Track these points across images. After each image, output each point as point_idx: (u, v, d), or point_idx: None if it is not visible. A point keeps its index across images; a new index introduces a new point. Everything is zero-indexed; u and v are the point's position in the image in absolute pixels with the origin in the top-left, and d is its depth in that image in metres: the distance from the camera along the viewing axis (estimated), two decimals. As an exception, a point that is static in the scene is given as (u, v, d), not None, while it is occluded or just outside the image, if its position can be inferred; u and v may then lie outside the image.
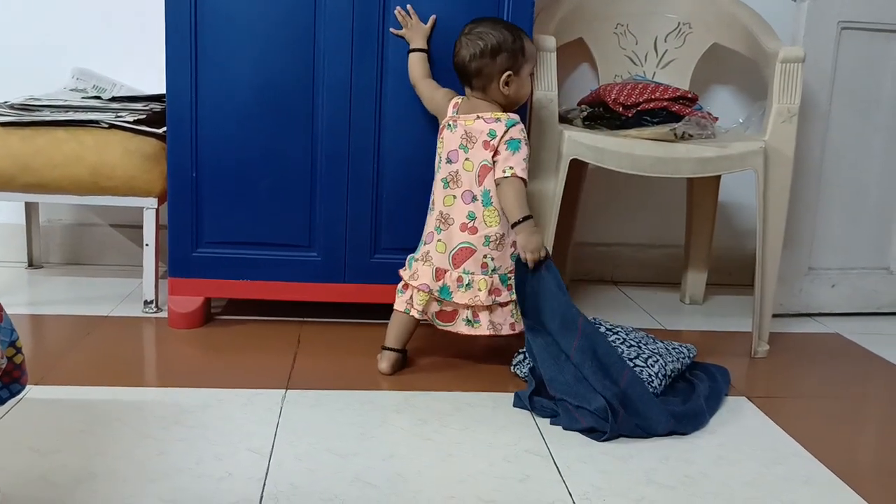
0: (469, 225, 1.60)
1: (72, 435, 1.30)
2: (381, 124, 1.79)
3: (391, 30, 1.75)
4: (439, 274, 1.61)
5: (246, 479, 1.19)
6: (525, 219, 1.54)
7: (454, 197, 1.61)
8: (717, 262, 2.37)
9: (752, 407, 1.59)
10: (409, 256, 1.68)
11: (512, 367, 1.67)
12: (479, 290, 1.60)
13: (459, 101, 1.65)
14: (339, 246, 1.83)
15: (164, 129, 1.82)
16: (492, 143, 1.58)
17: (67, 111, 1.92)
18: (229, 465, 1.23)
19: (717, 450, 1.40)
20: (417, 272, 1.62)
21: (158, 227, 1.92)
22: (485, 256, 1.60)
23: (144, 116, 1.93)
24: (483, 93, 1.61)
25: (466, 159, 1.60)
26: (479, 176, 1.59)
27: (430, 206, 1.66)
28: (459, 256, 1.60)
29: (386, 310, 1.69)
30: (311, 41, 1.74)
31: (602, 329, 1.62)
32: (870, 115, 2.17)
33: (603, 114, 1.88)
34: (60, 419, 1.36)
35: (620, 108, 1.84)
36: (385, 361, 1.63)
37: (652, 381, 1.50)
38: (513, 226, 1.56)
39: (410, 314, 1.63)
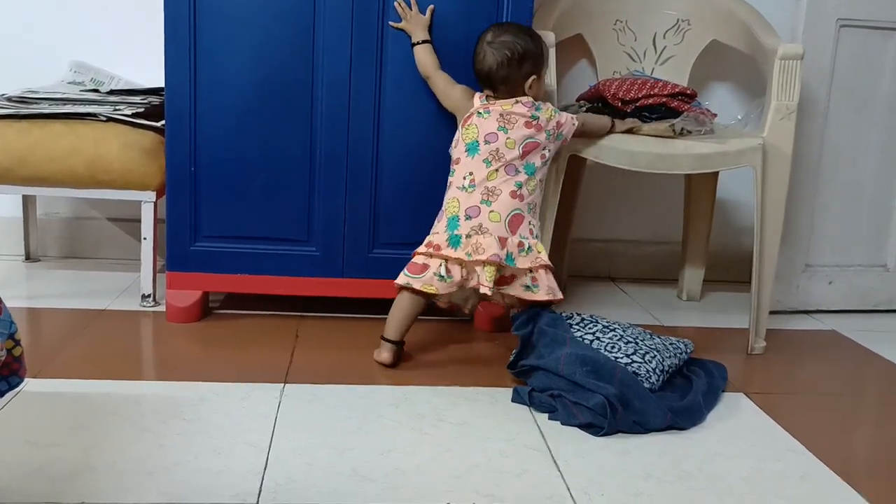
0: (518, 192, 1.64)
1: (69, 428, 1.30)
2: (380, 119, 1.79)
3: (390, 23, 1.74)
4: (502, 242, 1.61)
5: (244, 473, 1.19)
6: (613, 122, 1.80)
7: (496, 171, 1.64)
8: (714, 258, 2.37)
9: (750, 403, 1.59)
10: (445, 238, 1.62)
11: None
12: (539, 251, 1.65)
13: (482, 94, 1.69)
14: (338, 240, 1.83)
15: (163, 122, 1.81)
16: (535, 123, 1.65)
17: (65, 104, 1.91)
18: (228, 459, 1.23)
19: (715, 445, 1.40)
20: (480, 245, 1.60)
21: (156, 220, 1.91)
22: (530, 223, 1.66)
23: (143, 110, 1.92)
24: (509, 95, 1.68)
25: (508, 138, 1.64)
26: (523, 151, 1.64)
27: (466, 185, 1.64)
28: (514, 223, 1.63)
29: (385, 304, 1.69)
30: (311, 35, 1.74)
31: (599, 325, 1.62)
32: (867, 113, 2.17)
33: (602, 109, 1.88)
34: (58, 412, 1.36)
35: (619, 104, 1.84)
36: (386, 352, 1.64)
37: (650, 377, 1.51)
38: (609, 132, 1.80)
39: (464, 289, 1.63)
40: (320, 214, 1.82)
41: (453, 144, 1.71)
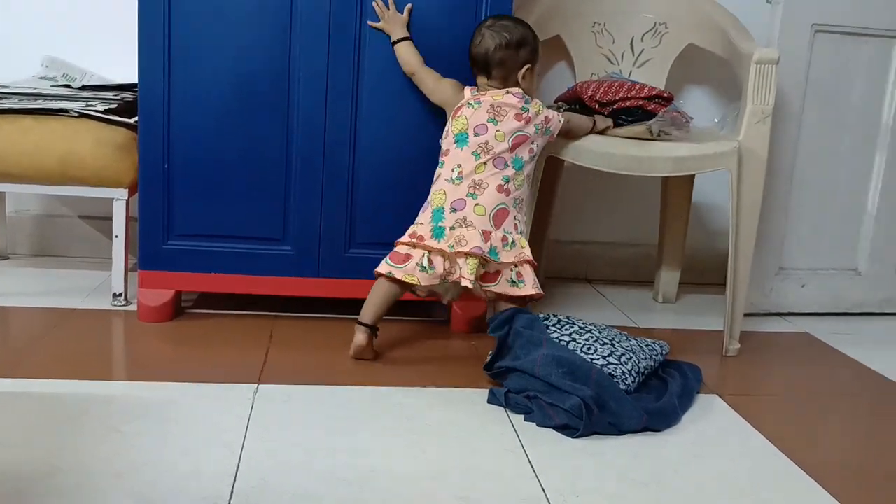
0: (505, 187, 1.64)
1: (38, 429, 1.27)
2: (358, 118, 1.77)
3: (369, 23, 1.73)
4: (486, 235, 1.62)
5: (215, 475, 1.17)
6: (594, 121, 1.82)
7: (485, 164, 1.64)
8: (689, 261, 2.38)
9: (724, 405, 1.60)
10: (429, 229, 1.62)
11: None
12: (522, 246, 1.66)
13: (473, 87, 1.70)
14: (314, 240, 1.82)
15: (136, 119, 1.79)
16: (525, 115, 1.66)
17: (36, 99, 1.88)
18: (198, 460, 1.21)
19: (689, 447, 1.40)
20: (464, 237, 1.60)
21: (128, 218, 1.89)
22: (514, 217, 1.66)
23: (115, 106, 1.90)
24: (502, 83, 1.68)
25: (497, 130, 1.65)
26: (512, 144, 1.65)
27: (454, 177, 1.64)
28: (499, 217, 1.64)
29: (361, 304, 1.68)
30: (288, 32, 1.72)
31: (575, 326, 1.62)
32: (840, 117, 2.19)
33: (580, 111, 1.88)
34: (26, 413, 1.33)
35: (597, 106, 1.84)
36: (361, 334, 1.63)
37: (626, 379, 1.51)
38: (592, 130, 1.82)
39: (448, 282, 1.62)
40: (296, 213, 1.80)
41: (443, 136, 1.71)
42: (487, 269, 1.64)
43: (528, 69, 1.69)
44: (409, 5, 1.73)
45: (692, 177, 2.20)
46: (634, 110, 1.85)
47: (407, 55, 1.73)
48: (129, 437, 1.26)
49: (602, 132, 1.83)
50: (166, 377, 1.51)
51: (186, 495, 1.11)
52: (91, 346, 1.66)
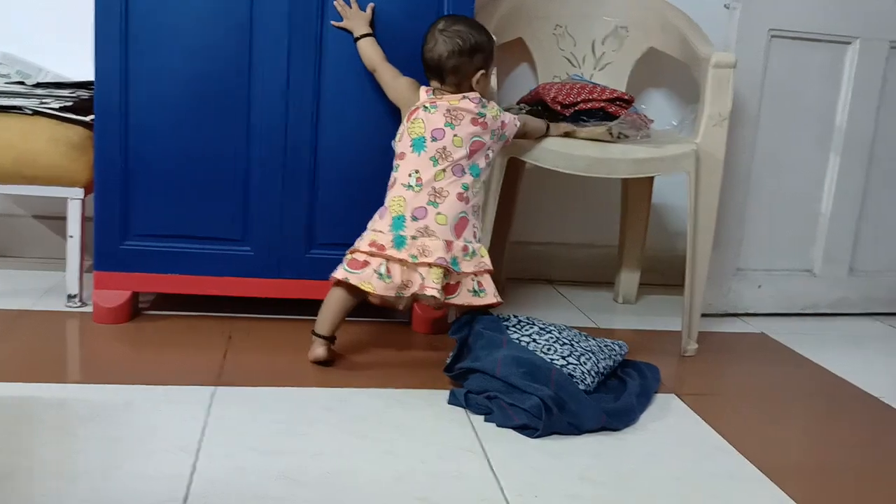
0: (464, 195, 1.63)
1: (-14, 433, 1.25)
2: (319, 117, 1.76)
3: (332, 23, 1.73)
4: (448, 245, 1.60)
5: (170, 478, 1.15)
6: (548, 126, 1.81)
7: (444, 171, 1.62)
8: (649, 262, 2.41)
9: (681, 404, 1.62)
10: (390, 238, 1.59)
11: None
12: (482, 256, 1.65)
13: (429, 88, 1.68)
14: (274, 240, 1.80)
15: (92, 117, 1.75)
16: (481, 120, 1.64)
17: (-12, 96, 1.84)
18: (153, 463, 1.19)
19: (647, 446, 1.42)
20: (427, 248, 1.59)
21: (84, 218, 1.85)
22: (473, 226, 1.66)
23: (71, 104, 1.86)
24: (456, 88, 1.66)
25: (455, 135, 1.63)
26: (470, 150, 1.63)
27: (413, 183, 1.62)
28: (460, 226, 1.63)
29: (321, 306, 1.66)
30: (248, 30, 1.71)
31: (536, 327, 1.63)
32: (796, 121, 2.23)
33: (542, 112, 1.89)
34: (-26, 417, 1.30)
35: (559, 107, 1.85)
36: (320, 347, 1.61)
37: (585, 379, 1.52)
38: (546, 134, 1.81)
39: (403, 296, 1.59)
40: (256, 214, 1.78)
41: (397, 138, 1.69)
42: (448, 280, 1.62)
43: (482, 74, 1.67)
44: (371, 4, 1.72)
45: (651, 179, 2.22)
46: (596, 112, 1.87)
47: (368, 51, 1.71)
48: (82, 441, 1.24)
49: (564, 135, 1.83)
50: (122, 379, 1.48)
51: (140, 499, 1.09)
52: (44, 348, 1.63)
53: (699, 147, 1.86)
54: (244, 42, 1.71)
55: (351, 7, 1.72)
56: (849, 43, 2.21)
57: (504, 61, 1.86)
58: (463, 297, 1.63)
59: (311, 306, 1.79)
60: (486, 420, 1.45)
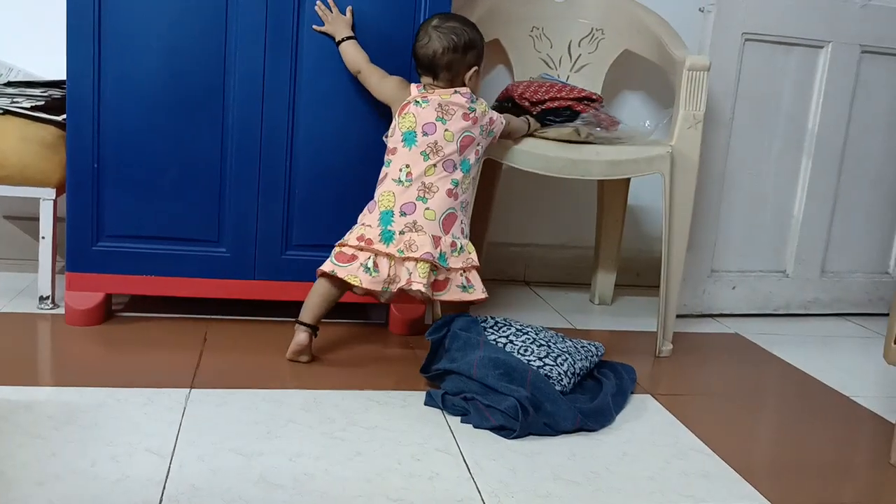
0: (454, 191, 1.64)
1: (-45, 437, 1.23)
2: (295, 117, 1.76)
3: (314, 27, 1.72)
4: (436, 241, 1.61)
5: (144, 481, 1.14)
6: (529, 125, 1.83)
7: (434, 166, 1.63)
8: (625, 263, 2.42)
9: (656, 404, 1.63)
10: (378, 232, 1.60)
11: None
12: (470, 252, 1.66)
13: (419, 84, 1.68)
14: (249, 242, 1.79)
15: (64, 116, 1.73)
16: (472, 115, 1.66)
17: (-42, 95, 1.82)
18: (126, 466, 1.18)
19: (622, 446, 1.42)
20: (415, 243, 1.59)
21: (56, 219, 1.83)
22: (461, 222, 1.66)
23: (43, 103, 1.84)
24: (448, 84, 1.68)
25: (446, 130, 1.63)
26: (460, 146, 1.64)
27: (403, 178, 1.62)
28: (448, 222, 1.63)
29: (297, 307, 1.66)
30: (223, 27, 1.70)
31: (512, 328, 1.63)
32: (769, 124, 2.26)
33: (511, 109, 1.90)
34: (-57, 420, 1.28)
35: (527, 104, 1.86)
36: (302, 333, 1.61)
37: (561, 380, 1.52)
38: (528, 133, 1.83)
39: (391, 291, 1.60)
40: (231, 214, 1.77)
41: (389, 133, 1.69)
42: (437, 275, 1.62)
43: (474, 71, 1.69)
44: (349, 7, 1.72)
45: (627, 180, 2.24)
46: (563, 111, 1.87)
47: (352, 54, 1.71)
48: (54, 444, 1.23)
49: (529, 135, 1.84)
50: (95, 382, 1.47)
51: (114, 503, 1.08)
52: (16, 350, 1.61)
53: (674, 149, 1.87)
54: (219, 41, 1.70)
55: (332, 11, 1.71)
56: (821, 47, 2.24)
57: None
58: (453, 293, 1.64)
59: (287, 308, 1.78)
60: (462, 421, 1.45)
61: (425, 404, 1.51)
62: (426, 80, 1.69)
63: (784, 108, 2.26)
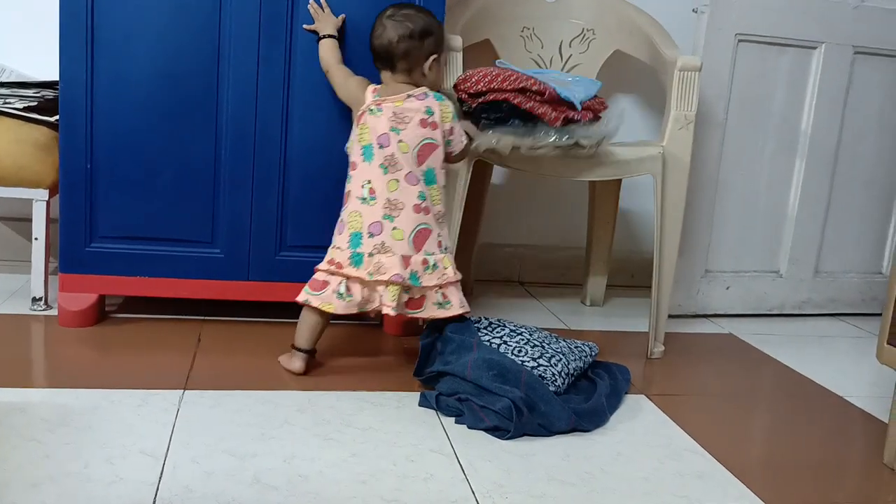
0: (422, 206, 1.59)
1: (-53, 439, 1.22)
2: (289, 118, 1.75)
3: (304, 26, 1.72)
4: (406, 261, 1.57)
5: (138, 483, 1.14)
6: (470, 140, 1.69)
7: (397, 181, 1.58)
8: (617, 264, 2.42)
9: (650, 404, 1.63)
10: (347, 255, 1.57)
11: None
12: (446, 267, 1.61)
13: (377, 87, 1.63)
14: (243, 242, 1.79)
15: (57, 117, 1.73)
16: (430, 120, 1.59)
17: (-50, 96, 1.81)
18: (120, 468, 1.18)
19: (616, 446, 1.43)
20: (382, 265, 1.56)
21: (49, 220, 1.82)
22: (438, 235, 1.61)
23: (35, 104, 1.84)
24: (407, 76, 1.62)
25: (400, 140, 1.58)
26: (418, 155, 1.59)
27: (367, 196, 1.59)
28: (419, 238, 1.58)
29: (291, 308, 1.65)
30: (217, 28, 1.69)
31: (507, 329, 1.63)
32: (762, 125, 2.26)
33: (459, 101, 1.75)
34: (-65, 422, 1.27)
35: (465, 97, 1.72)
36: (298, 361, 1.60)
37: (556, 380, 1.52)
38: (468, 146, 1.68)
39: (367, 312, 1.59)
40: (225, 215, 1.77)
41: (349, 143, 1.65)
42: (411, 294, 1.59)
43: (433, 60, 1.61)
44: (342, 15, 1.71)
45: (619, 181, 2.24)
46: (499, 104, 1.68)
47: (325, 51, 1.69)
48: (47, 446, 1.22)
49: (492, 153, 1.70)
50: (88, 384, 1.46)
51: (106, 505, 1.08)
52: (9, 352, 1.60)
53: (665, 150, 1.87)
54: (213, 42, 1.70)
55: (323, 10, 1.71)
56: (814, 48, 2.25)
57: (471, 63, 1.86)
58: (429, 311, 1.61)
59: (281, 308, 1.78)
60: (456, 422, 1.45)
61: (419, 405, 1.51)
62: (385, 74, 1.63)
63: (777, 109, 2.27)
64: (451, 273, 1.62)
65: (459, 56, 1.81)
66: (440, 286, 1.60)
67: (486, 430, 1.43)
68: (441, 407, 1.49)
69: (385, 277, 1.55)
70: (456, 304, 1.62)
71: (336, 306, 1.57)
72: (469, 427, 1.44)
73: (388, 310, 1.56)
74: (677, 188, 1.90)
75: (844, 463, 1.48)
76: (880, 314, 1.48)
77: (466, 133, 1.67)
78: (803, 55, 2.25)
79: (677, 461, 1.39)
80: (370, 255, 1.57)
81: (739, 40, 2.17)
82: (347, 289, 1.57)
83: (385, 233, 1.57)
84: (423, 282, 1.58)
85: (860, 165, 2.38)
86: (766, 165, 2.29)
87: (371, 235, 1.58)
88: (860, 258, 2.46)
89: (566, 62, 2.24)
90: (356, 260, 1.57)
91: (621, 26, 2.19)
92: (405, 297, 1.59)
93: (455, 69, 1.80)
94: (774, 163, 2.30)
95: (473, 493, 1.21)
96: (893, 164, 2.41)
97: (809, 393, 1.81)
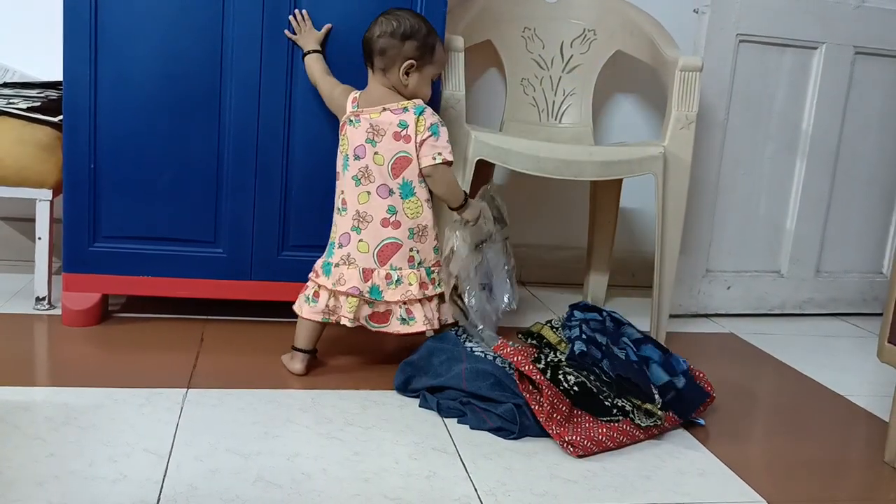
0: (391, 220, 1.58)
1: (-47, 437, 1.23)
2: (292, 118, 1.76)
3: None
4: (367, 274, 1.57)
5: (142, 481, 1.15)
6: (466, 200, 1.63)
7: (368, 193, 1.58)
8: (619, 263, 2.43)
9: (652, 403, 1.63)
10: (321, 263, 1.62)
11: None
12: (410, 283, 1.59)
13: (358, 95, 1.62)
14: (246, 242, 1.79)
15: (60, 117, 1.74)
16: (404, 133, 1.57)
17: (-46, 96, 1.82)
18: (124, 466, 1.18)
19: (618, 445, 1.43)
20: (343, 276, 1.57)
21: (52, 220, 1.83)
22: (411, 250, 1.60)
23: (39, 104, 1.84)
24: (383, 76, 1.59)
25: (375, 153, 1.57)
26: (392, 168, 1.58)
27: (340, 206, 1.62)
28: (385, 253, 1.58)
29: (293, 307, 1.66)
30: (220, 28, 1.70)
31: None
32: (763, 125, 2.27)
33: None
34: (-60, 421, 1.28)
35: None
36: (299, 362, 1.60)
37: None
38: (457, 209, 1.63)
39: (331, 322, 1.59)
40: (228, 215, 1.78)
41: (338, 153, 1.65)
42: (376, 308, 1.59)
43: (411, 65, 1.56)
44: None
45: (620, 181, 2.24)
46: None
47: (311, 66, 1.70)
48: (52, 445, 1.23)
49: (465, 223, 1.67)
50: (92, 383, 1.47)
51: (111, 503, 1.09)
52: (13, 351, 1.61)
53: (666, 149, 1.88)
54: (216, 43, 1.70)
55: (305, 23, 1.70)
56: (815, 48, 2.25)
57: (473, 64, 1.86)
58: (393, 326, 1.61)
59: (284, 308, 1.78)
60: (459, 422, 1.45)
61: (420, 407, 1.51)
62: (369, 73, 1.61)
63: (778, 109, 2.27)
64: (415, 290, 1.59)
65: (461, 56, 1.81)
66: (405, 302, 1.60)
67: (490, 430, 1.43)
68: (442, 410, 1.48)
69: (343, 289, 1.57)
70: (420, 321, 1.61)
71: (303, 310, 1.61)
72: (472, 428, 1.44)
73: (346, 321, 1.57)
74: (678, 188, 1.90)
75: (845, 461, 1.48)
76: (881, 314, 1.49)
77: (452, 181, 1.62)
78: (804, 55, 2.26)
79: (679, 459, 1.40)
80: (336, 265, 1.59)
81: (740, 40, 2.17)
82: (315, 294, 1.60)
83: (352, 244, 1.59)
84: (386, 296, 1.58)
85: (861, 165, 2.38)
86: (767, 165, 2.30)
87: (340, 246, 1.60)
88: (861, 258, 2.47)
89: (567, 63, 2.25)
90: (326, 269, 1.60)
91: (622, 27, 2.19)
92: (368, 311, 1.60)
93: (457, 70, 1.81)
94: (775, 163, 2.30)
95: (476, 490, 1.22)
96: (894, 163, 2.41)
97: (810, 392, 1.82)
